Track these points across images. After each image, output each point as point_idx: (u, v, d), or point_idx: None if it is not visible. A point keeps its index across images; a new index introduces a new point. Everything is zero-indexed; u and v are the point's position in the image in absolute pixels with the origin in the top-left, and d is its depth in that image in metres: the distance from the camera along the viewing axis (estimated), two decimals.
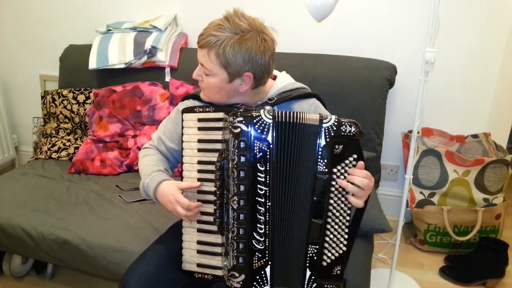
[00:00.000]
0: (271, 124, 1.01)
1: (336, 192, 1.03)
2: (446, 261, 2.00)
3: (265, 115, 1.01)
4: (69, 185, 1.90)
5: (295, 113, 1.02)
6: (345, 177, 1.02)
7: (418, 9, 1.99)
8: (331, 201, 1.03)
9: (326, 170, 1.02)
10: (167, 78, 2.15)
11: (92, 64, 2.17)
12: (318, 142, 1.01)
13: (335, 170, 1.02)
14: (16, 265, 1.90)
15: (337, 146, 1.01)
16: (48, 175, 1.98)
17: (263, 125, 1.00)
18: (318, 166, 1.01)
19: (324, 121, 1.01)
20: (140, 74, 2.19)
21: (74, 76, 2.31)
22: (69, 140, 2.24)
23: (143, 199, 1.72)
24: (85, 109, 2.20)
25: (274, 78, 1.26)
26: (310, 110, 1.21)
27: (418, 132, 1.95)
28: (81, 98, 2.22)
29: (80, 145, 2.17)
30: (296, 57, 2.01)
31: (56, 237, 1.53)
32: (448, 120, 2.12)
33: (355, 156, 1.02)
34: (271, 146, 1.01)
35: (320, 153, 1.01)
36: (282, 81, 1.25)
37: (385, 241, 2.14)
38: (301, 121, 1.02)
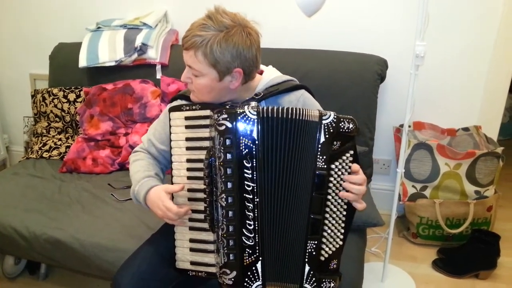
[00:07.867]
0: (256, 120, 1.01)
1: (333, 188, 1.04)
2: (439, 253, 2.02)
3: (249, 111, 1.01)
4: (61, 184, 1.89)
5: (282, 108, 1.02)
6: (342, 173, 1.03)
7: (408, 3, 1.99)
8: (329, 197, 1.04)
9: (325, 166, 1.02)
10: (158, 75, 2.14)
11: (82, 62, 2.15)
12: (317, 138, 1.01)
13: (333, 166, 1.03)
14: (9, 266, 1.89)
15: (335, 143, 1.01)
16: (40, 174, 1.97)
17: (247, 121, 1.01)
18: (318, 162, 1.02)
19: (324, 117, 1.01)
20: (131, 72, 2.17)
21: (64, 75, 2.29)
22: (60, 139, 2.23)
23: None
24: (75, 108, 2.19)
25: (261, 73, 1.25)
26: (299, 102, 1.20)
27: (409, 126, 1.96)
28: (71, 96, 2.20)
29: (71, 144, 2.16)
30: (287, 52, 2.01)
31: (49, 237, 1.53)
32: (439, 114, 2.13)
33: (351, 152, 1.03)
34: (256, 142, 1.01)
35: (319, 149, 1.01)
36: (269, 75, 1.24)
37: (378, 235, 2.15)
38: (292, 117, 1.01)
